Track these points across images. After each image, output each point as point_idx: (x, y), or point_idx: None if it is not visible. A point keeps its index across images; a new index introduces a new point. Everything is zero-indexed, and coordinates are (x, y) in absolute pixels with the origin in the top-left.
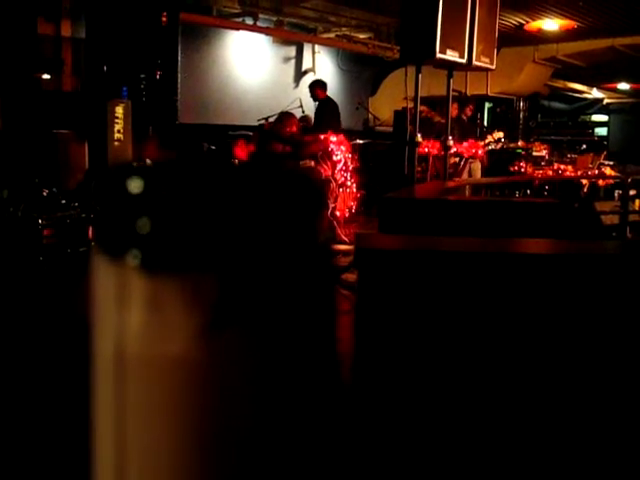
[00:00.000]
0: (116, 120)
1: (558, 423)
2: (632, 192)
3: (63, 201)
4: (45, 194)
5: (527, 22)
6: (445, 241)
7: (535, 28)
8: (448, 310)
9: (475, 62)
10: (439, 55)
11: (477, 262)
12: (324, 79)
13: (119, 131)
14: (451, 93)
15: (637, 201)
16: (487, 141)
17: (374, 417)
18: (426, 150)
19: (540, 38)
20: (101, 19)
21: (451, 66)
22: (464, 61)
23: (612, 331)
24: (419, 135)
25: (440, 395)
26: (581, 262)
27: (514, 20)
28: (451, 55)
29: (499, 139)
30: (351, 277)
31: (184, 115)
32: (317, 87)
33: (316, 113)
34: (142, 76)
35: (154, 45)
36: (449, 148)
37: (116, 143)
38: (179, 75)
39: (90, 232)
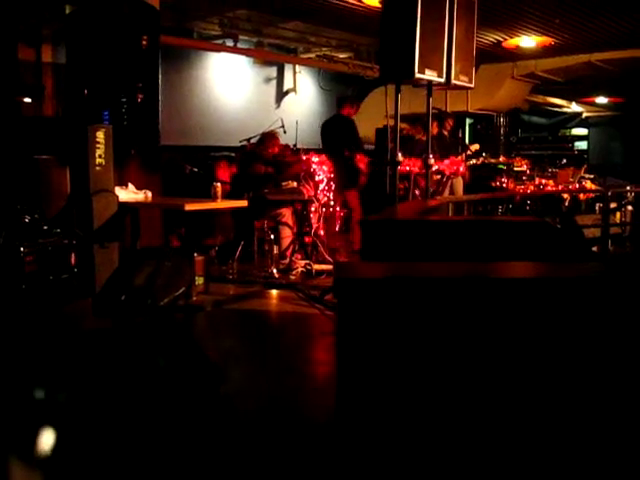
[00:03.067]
0: (97, 145)
1: (547, 454)
2: (613, 205)
3: (45, 227)
4: (27, 220)
5: (505, 39)
6: (425, 267)
7: (513, 45)
8: (431, 338)
9: (454, 81)
10: (418, 75)
11: (455, 288)
12: (305, 99)
13: (100, 156)
14: (431, 111)
15: (618, 214)
16: (467, 154)
17: (357, 442)
18: (407, 168)
19: (518, 55)
20: (81, 44)
21: (430, 85)
22: (443, 80)
23: (596, 356)
24: (400, 154)
25: (423, 421)
26: (563, 286)
27: (492, 38)
28: (430, 75)
29: (476, 152)
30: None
31: (166, 137)
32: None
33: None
34: (123, 100)
35: (135, 68)
36: (430, 166)
37: (98, 168)
38: (160, 97)
39: (72, 259)
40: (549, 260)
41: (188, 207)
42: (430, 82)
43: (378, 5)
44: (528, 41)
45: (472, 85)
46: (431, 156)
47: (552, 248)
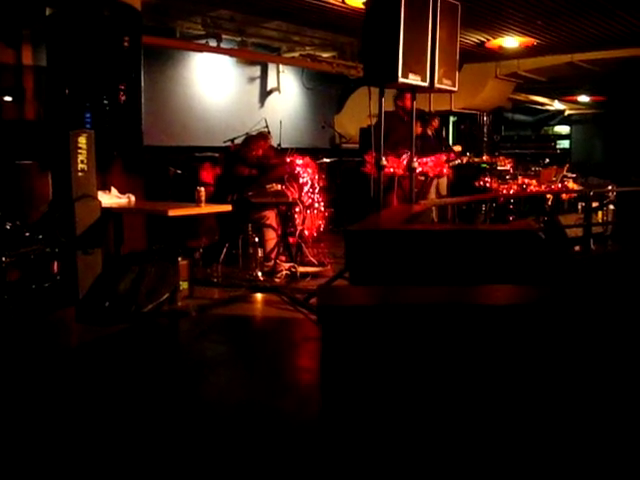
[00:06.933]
0: (79, 150)
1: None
2: (595, 204)
3: (27, 234)
4: (8, 227)
5: (488, 40)
6: (410, 292)
7: (496, 46)
8: (415, 363)
9: (437, 85)
10: (401, 80)
11: (437, 315)
12: (289, 98)
13: (82, 161)
14: (415, 112)
15: (600, 213)
16: (452, 160)
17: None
18: (392, 170)
19: (501, 55)
20: (62, 46)
21: (414, 88)
22: (426, 84)
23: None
24: (383, 158)
25: (406, 445)
26: (546, 311)
27: (475, 38)
28: (413, 79)
29: (459, 153)
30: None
31: (149, 138)
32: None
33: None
34: (105, 101)
35: (117, 70)
36: (414, 169)
37: (80, 174)
38: (143, 98)
39: (55, 266)
40: (532, 267)
41: (172, 213)
42: (414, 86)
43: (361, 6)
44: (511, 41)
45: (455, 89)
46: (415, 159)
47: (535, 255)
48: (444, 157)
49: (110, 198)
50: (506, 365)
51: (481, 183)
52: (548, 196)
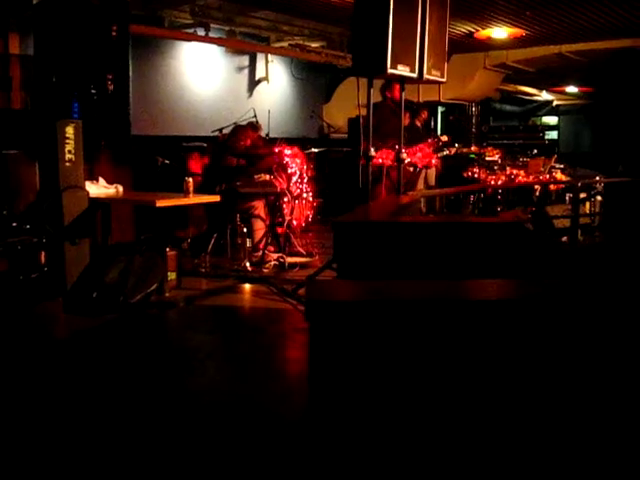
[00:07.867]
0: (67, 140)
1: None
2: (582, 195)
3: (14, 224)
4: None
5: (477, 30)
6: (402, 287)
7: (485, 36)
8: (403, 359)
9: (426, 76)
10: (390, 70)
11: (426, 310)
12: (278, 87)
13: (70, 151)
14: (403, 103)
15: (587, 204)
16: (439, 145)
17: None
18: (380, 161)
19: (490, 45)
20: (49, 34)
21: (402, 79)
22: (415, 75)
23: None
24: (372, 149)
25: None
26: (537, 306)
27: (464, 29)
28: (402, 70)
29: (446, 143)
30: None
31: (137, 127)
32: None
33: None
34: (93, 91)
35: (104, 59)
36: (402, 160)
37: (67, 164)
38: (131, 88)
39: (42, 257)
40: (520, 259)
41: (159, 203)
42: (402, 77)
43: None
44: (500, 32)
45: (444, 80)
46: (403, 150)
47: (524, 247)
48: (432, 143)
49: (98, 188)
50: (496, 360)
51: (469, 174)
52: (536, 187)
